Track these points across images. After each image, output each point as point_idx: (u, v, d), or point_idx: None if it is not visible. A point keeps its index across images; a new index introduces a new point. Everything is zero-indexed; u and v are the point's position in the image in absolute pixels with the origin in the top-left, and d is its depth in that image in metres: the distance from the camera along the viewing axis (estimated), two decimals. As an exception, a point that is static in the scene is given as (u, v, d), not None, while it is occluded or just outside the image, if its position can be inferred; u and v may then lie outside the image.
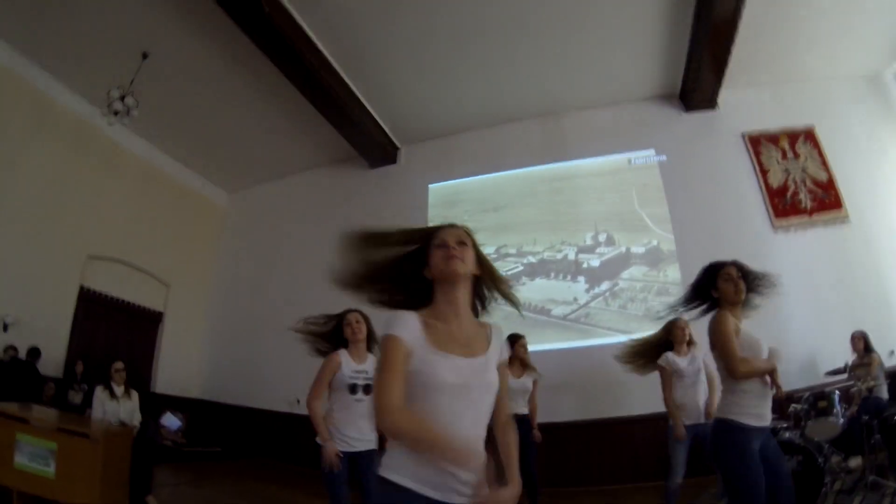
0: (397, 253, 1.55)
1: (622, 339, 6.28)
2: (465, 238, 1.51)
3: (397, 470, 1.32)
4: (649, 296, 6.51)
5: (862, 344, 5.23)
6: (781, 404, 4.27)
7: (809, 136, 6.56)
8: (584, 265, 6.89)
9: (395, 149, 8.25)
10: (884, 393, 4.81)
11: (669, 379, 3.78)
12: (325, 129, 7.52)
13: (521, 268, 7.14)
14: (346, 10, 5.79)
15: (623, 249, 6.82)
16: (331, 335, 3.17)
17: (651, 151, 7.09)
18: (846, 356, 5.24)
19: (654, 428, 5.34)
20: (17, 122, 6.28)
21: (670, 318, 3.80)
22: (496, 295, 1.64)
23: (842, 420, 4.22)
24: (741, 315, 2.53)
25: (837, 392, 4.44)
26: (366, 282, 1.55)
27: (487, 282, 1.60)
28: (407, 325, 1.39)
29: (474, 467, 1.32)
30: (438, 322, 1.45)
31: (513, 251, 7.26)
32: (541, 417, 5.82)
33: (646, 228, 6.81)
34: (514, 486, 1.38)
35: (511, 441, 1.52)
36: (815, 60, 6.54)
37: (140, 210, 7.86)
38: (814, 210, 6.31)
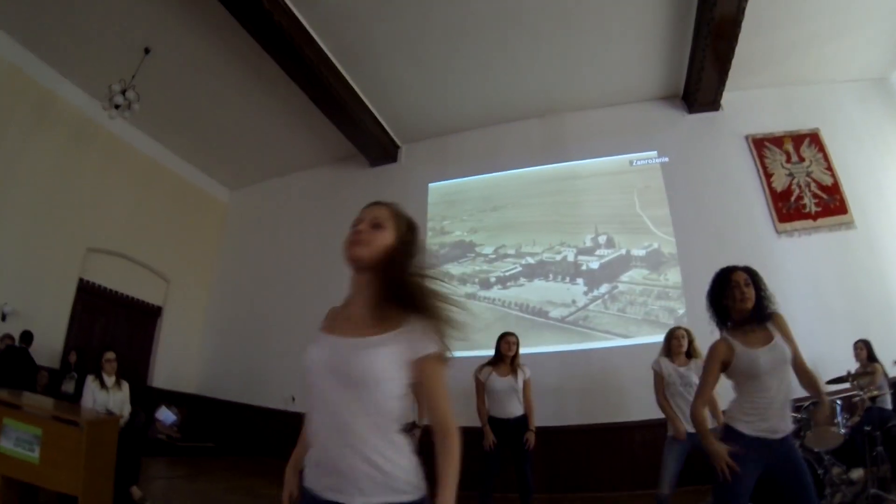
0: None
1: (621, 343, 6.29)
2: (384, 220, 1.34)
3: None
4: (649, 299, 6.41)
5: (865, 353, 5.11)
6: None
7: (814, 139, 6.44)
8: (584, 267, 6.80)
9: (396, 147, 8.25)
10: (887, 403, 4.66)
11: (660, 383, 3.74)
12: (326, 127, 7.54)
13: (519, 269, 7.07)
14: (346, 8, 5.80)
15: (623, 252, 6.73)
16: None
17: (653, 153, 7.00)
18: (850, 364, 5.10)
19: (653, 434, 5.22)
20: (20, 115, 6.35)
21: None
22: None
23: (843, 430, 4.10)
24: (755, 328, 2.34)
25: (839, 402, 4.33)
26: None
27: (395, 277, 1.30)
28: (322, 321, 1.39)
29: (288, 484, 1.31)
30: (345, 307, 1.37)
31: (511, 252, 7.20)
32: (538, 421, 5.77)
33: (647, 231, 6.71)
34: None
35: (440, 451, 1.21)
36: (820, 62, 6.43)
37: (141, 205, 7.92)
38: (818, 214, 6.18)
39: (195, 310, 8.71)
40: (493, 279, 7.11)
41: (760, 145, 6.55)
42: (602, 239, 6.86)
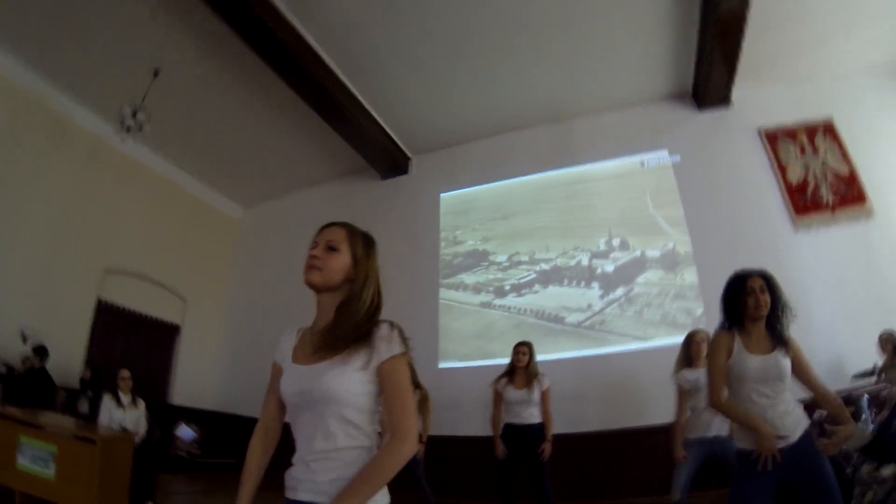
0: None
1: (639, 346, 6.17)
2: (338, 242, 1.37)
3: None
4: (666, 301, 6.29)
5: (891, 346, 4.92)
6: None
7: (828, 128, 6.29)
8: (598, 271, 6.72)
9: (407, 159, 8.30)
10: (917, 396, 4.48)
11: (684, 399, 3.60)
12: (336, 142, 7.61)
13: (533, 275, 7.01)
14: (349, 22, 5.86)
15: (638, 253, 6.63)
16: None
17: (664, 152, 6.91)
18: (875, 357, 4.95)
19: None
20: (35, 140, 6.52)
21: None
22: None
23: (871, 426, 3.96)
24: (764, 338, 2.27)
25: (866, 396, 4.19)
26: None
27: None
28: (280, 346, 1.44)
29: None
30: (312, 327, 1.41)
31: (525, 258, 7.14)
32: (558, 428, 5.67)
33: (661, 231, 6.61)
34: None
35: (381, 450, 1.23)
36: (831, 58, 6.30)
37: (156, 224, 8.06)
38: (836, 205, 6.01)
39: (212, 327, 8.78)
40: (507, 287, 7.06)
41: (773, 138, 6.43)
42: (616, 242, 6.78)
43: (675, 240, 6.51)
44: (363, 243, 1.41)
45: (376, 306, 1.36)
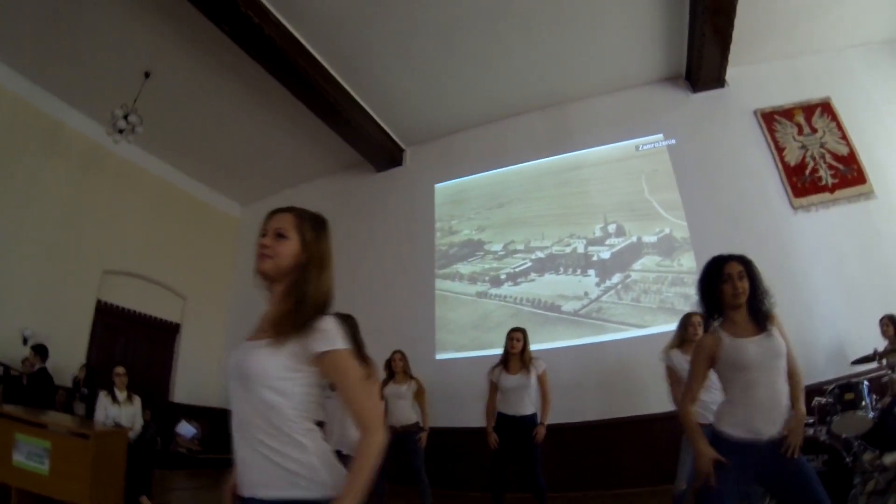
0: None
1: (636, 333, 6.10)
2: (286, 229, 1.36)
3: None
4: (663, 287, 6.21)
5: (893, 329, 4.80)
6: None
7: (826, 108, 6.15)
8: (595, 258, 6.64)
9: (401, 151, 8.26)
10: (920, 381, 4.37)
11: (674, 377, 3.56)
12: (330, 137, 7.58)
13: (529, 264, 6.95)
14: (336, 17, 5.80)
15: (634, 239, 6.54)
16: None
17: (659, 136, 6.80)
18: (878, 342, 4.83)
19: (674, 425, 5.00)
20: (32, 146, 6.57)
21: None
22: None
23: (871, 413, 3.86)
24: (749, 322, 2.18)
25: (866, 382, 4.07)
26: None
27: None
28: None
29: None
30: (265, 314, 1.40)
31: (521, 247, 7.08)
32: (556, 418, 5.62)
33: (657, 216, 6.52)
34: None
35: (359, 447, 1.22)
36: (826, 29, 6.14)
37: (155, 225, 8.10)
38: (835, 186, 5.88)
39: (213, 324, 8.81)
40: (503, 276, 7.01)
41: (770, 119, 6.30)
42: (612, 228, 6.70)
43: (672, 225, 6.42)
44: (312, 226, 1.40)
45: (327, 290, 1.35)
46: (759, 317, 2.18)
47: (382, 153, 8.07)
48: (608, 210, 6.79)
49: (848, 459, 3.69)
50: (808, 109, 6.21)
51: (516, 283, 6.90)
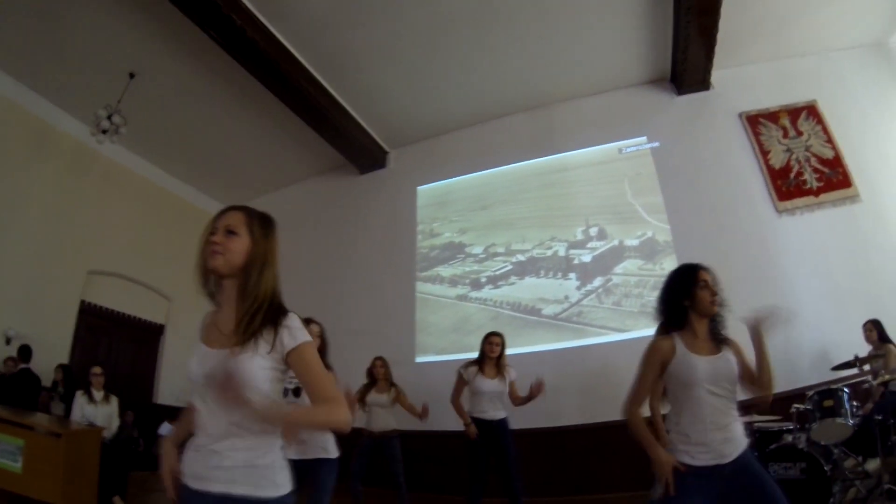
0: None
1: (617, 337, 5.99)
2: (236, 226, 1.38)
3: None
4: (645, 290, 6.09)
5: (876, 334, 4.70)
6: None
7: (812, 111, 6.05)
8: (576, 261, 6.53)
9: (385, 153, 8.19)
10: (902, 387, 4.23)
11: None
12: (314, 139, 7.53)
13: (510, 267, 6.84)
14: (319, 19, 5.74)
15: (616, 243, 6.43)
16: None
17: (643, 138, 6.70)
18: (862, 347, 4.71)
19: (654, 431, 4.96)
20: (18, 146, 6.52)
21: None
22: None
23: (851, 421, 3.75)
24: (707, 339, 2.10)
25: (846, 389, 3.96)
26: None
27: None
28: (200, 329, 1.47)
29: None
30: (215, 314, 1.45)
31: (501, 250, 6.98)
32: (536, 423, 5.53)
33: (640, 219, 6.41)
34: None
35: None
36: (813, 31, 6.06)
37: (140, 226, 8.04)
38: (821, 190, 5.77)
39: (197, 326, 8.69)
40: (483, 279, 6.91)
41: (755, 122, 6.20)
42: (594, 231, 6.59)
43: (654, 228, 6.31)
44: (260, 225, 1.42)
45: (274, 288, 1.40)
46: (718, 337, 2.11)
47: (366, 155, 8.01)
48: (590, 213, 6.69)
49: (827, 467, 3.58)
50: (794, 112, 6.12)
51: (497, 287, 6.80)
